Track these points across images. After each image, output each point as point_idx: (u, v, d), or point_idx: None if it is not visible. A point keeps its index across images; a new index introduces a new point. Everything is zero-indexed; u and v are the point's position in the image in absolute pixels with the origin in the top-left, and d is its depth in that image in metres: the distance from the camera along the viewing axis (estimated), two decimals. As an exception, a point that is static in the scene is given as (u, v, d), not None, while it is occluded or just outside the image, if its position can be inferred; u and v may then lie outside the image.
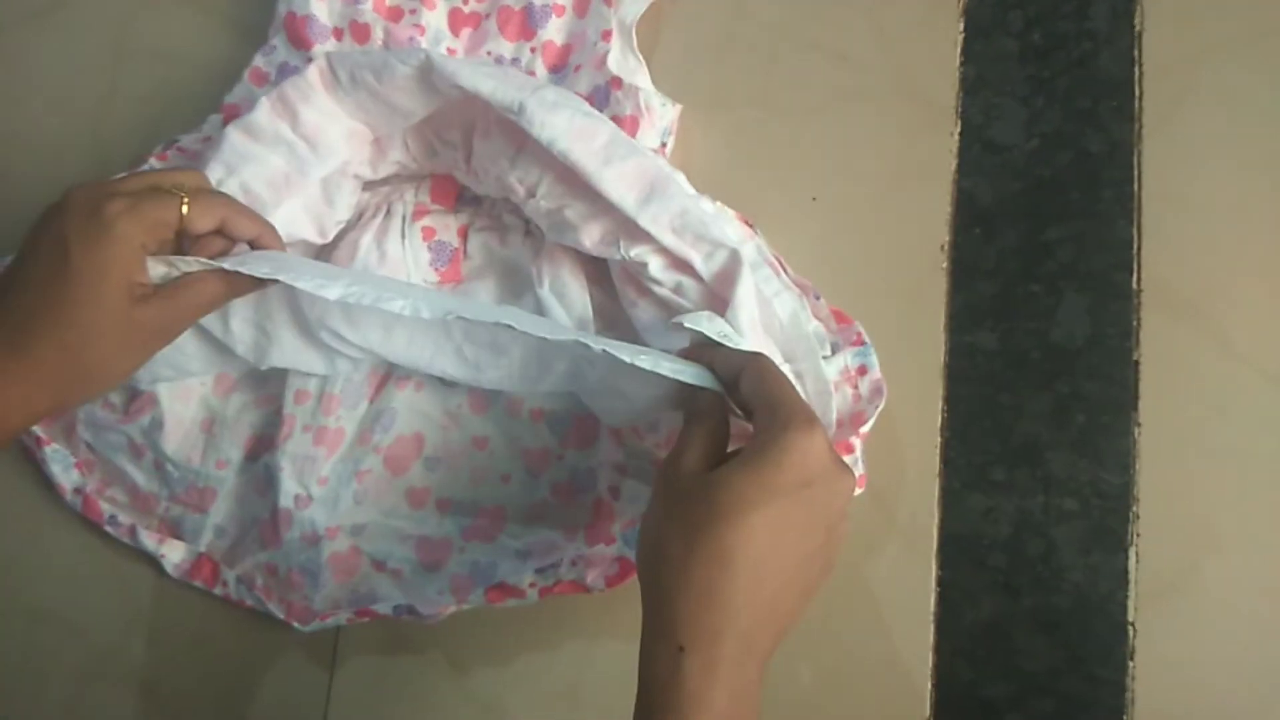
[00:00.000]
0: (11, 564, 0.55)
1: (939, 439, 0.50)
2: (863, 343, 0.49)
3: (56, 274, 0.42)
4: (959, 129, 0.53)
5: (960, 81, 0.53)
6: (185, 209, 0.43)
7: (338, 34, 0.53)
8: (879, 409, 0.48)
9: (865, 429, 0.48)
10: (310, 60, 0.51)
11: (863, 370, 0.48)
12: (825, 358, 0.48)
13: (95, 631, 0.54)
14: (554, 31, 0.53)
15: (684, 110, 0.53)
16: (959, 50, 0.53)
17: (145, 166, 0.52)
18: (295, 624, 0.51)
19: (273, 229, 0.46)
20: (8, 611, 0.54)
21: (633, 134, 0.49)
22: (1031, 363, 0.50)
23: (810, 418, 0.39)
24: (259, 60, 0.54)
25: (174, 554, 0.53)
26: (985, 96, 0.53)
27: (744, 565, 0.37)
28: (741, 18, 0.55)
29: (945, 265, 0.51)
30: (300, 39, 0.53)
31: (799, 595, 0.40)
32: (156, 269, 0.43)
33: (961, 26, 0.53)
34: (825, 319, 0.50)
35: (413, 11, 0.53)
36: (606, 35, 0.51)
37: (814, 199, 0.52)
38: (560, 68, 0.53)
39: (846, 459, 0.47)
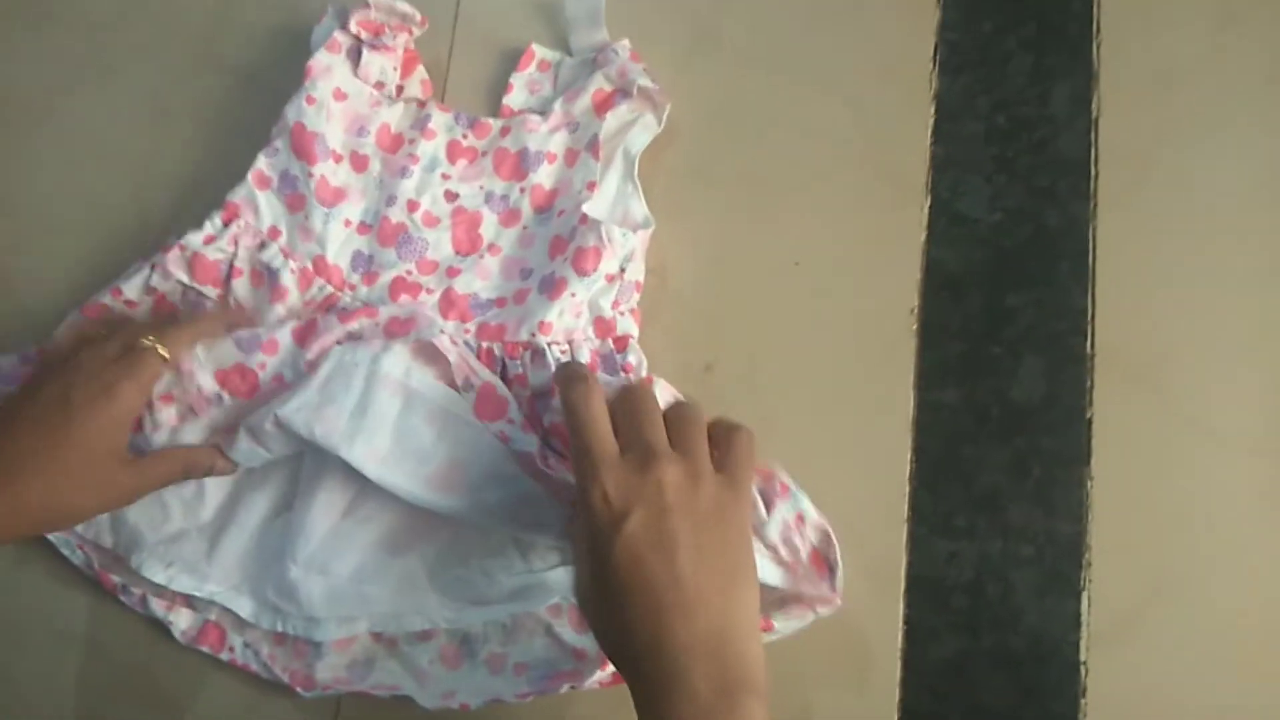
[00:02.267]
0: (37, 585, 0.58)
1: (908, 488, 0.54)
2: (788, 491, 0.51)
3: (58, 426, 0.48)
4: (929, 202, 0.57)
5: (931, 160, 0.58)
6: (164, 354, 0.50)
7: (337, 158, 0.56)
8: (837, 549, 0.50)
9: (839, 581, 0.50)
10: (310, 175, 0.55)
11: (800, 519, 0.51)
12: (763, 523, 0.50)
13: (118, 650, 0.57)
14: (544, 176, 0.56)
15: (680, 182, 0.58)
16: (930, 131, 0.58)
17: (147, 265, 0.55)
18: (299, 690, 0.53)
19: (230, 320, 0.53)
20: (35, 630, 0.57)
21: (596, 264, 0.53)
22: (993, 419, 0.54)
23: (585, 469, 0.43)
24: (262, 163, 0.56)
25: (181, 621, 0.55)
26: (953, 174, 0.57)
27: (639, 590, 0.42)
28: (735, 101, 0.59)
29: (915, 327, 0.56)
30: (306, 152, 0.56)
31: (715, 569, 0.42)
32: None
33: (933, 110, 0.58)
34: None
35: (411, 141, 0.57)
36: (591, 186, 0.55)
37: (797, 264, 0.57)
38: (545, 209, 0.56)
39: (824, 609, 0.50)
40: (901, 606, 0.53)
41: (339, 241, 0.56)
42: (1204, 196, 0.56)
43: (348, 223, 0.56)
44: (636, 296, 0.55)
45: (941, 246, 0.57)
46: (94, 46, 0.64)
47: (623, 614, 0.42)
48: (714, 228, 0.58)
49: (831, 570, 0.50)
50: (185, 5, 0.64)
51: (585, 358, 0.53)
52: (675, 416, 0.46)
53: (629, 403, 0.46)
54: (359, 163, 0.57)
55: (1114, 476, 0.53)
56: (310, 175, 0.56)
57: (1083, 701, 0.51)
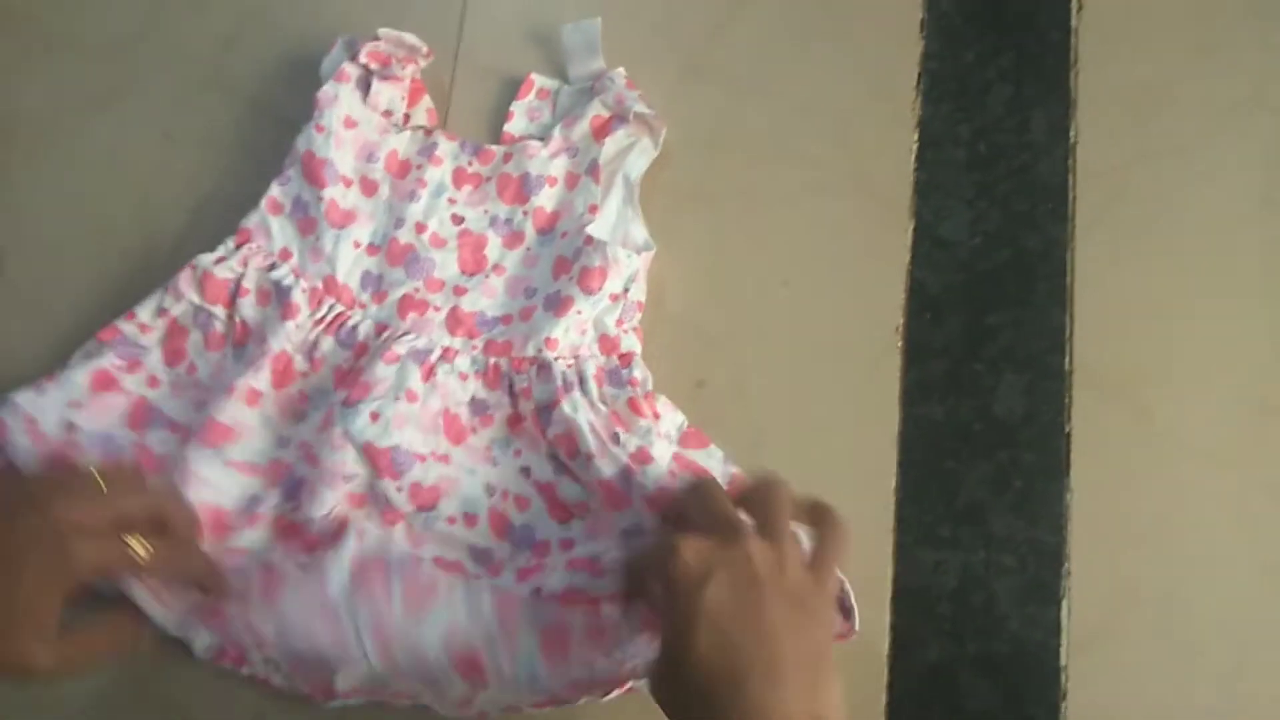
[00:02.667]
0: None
1: (893, 499, 0.56)
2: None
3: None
4: (913, 226, 0.59)
5: (915, 185, 0.60)
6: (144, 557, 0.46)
7: (347, 182, 0.59)
8: (851, 595, 0.51)
9: (856, 620, 0.51)
10: (320, 199, 0.57)
11: None
12: None
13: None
14: (545, 199, 0.59)
15: (674, 204, 0.60)
16: (914, 157, 0.60)
17: (161, 289, 0.57)
18: (320, 699, 0.54)
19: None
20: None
21: (601, 283, 0.55)
22: (975, 434, 0.56)
23: (662, 547, 0.43)
24: (275, 190, 0.59)
25: (202, 639, 0.54)
26: (936, 198, 0.60)
27: (722, 655, 0.40)
28: (731, 124, 0.62)
29: (899, 345, 0.58)
30: (315, 178, 0.58)
31: (803, 646, 0.41)
32: None
33: (916, 137, 0.61)
34: None
35: (419, 167, 0.59)
36: (592, 209, 0.58)
37: (785, 283, 0.59)
38: (548, 231, 0.59)
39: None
40: (888, 614, 0.55)
41: (349, 262, 0.58)
42: (1178, 220, 0.59)
43: (356, 244, 0.58)
44: (639, 316, 0.57)
45: (925, 268, 0.59)
46: (105, 70, 0.66)
47: (704, 684, 0.40)
48: (706, 248, 0.60)
49: (846, 612, 0.51)
50: (195, 32, 0.66)
51: (591, 372, 0.55)
52: (761, 498, 0.45)
53: (700, 491, 0.47)
54: (368, 187, 0.59)
55: (1092, 489, 0.55)
56: (320, 199, 0.58)
57: (1063, 706, 0.53)
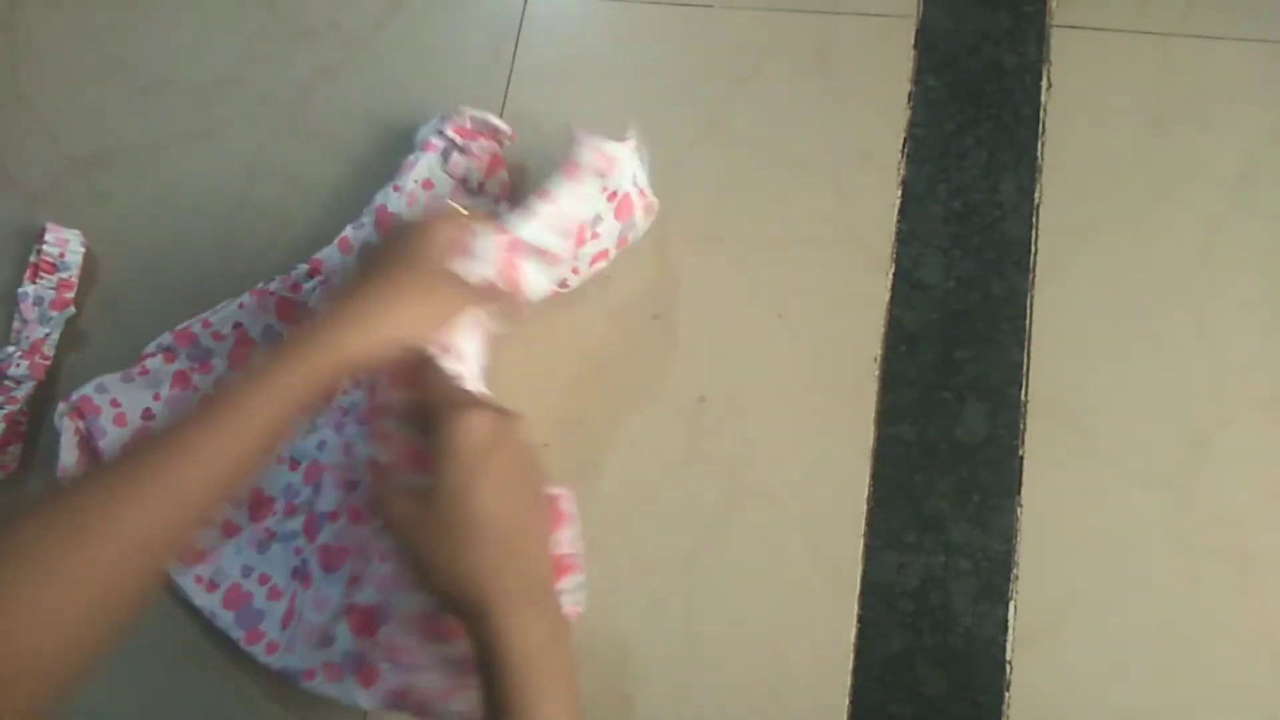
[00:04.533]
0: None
1: (865, 507, 0.63)
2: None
3: (409, 264, 0.56)
4: (893, 270, 0.67)
5: (896, 234, 0.68)
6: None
7: None
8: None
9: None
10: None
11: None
12: None
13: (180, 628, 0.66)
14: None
15: (686, 243, 0.68)
16: (897, 211, 0.68)
17: (234, 304, 0.66)
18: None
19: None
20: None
21: (629, 211, 0.63)
22: (940, 453, 0.64)
23: (455, 416, 0.49)
24: (349, 231, 0.67)
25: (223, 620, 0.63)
26: (915, 247, 0.68)
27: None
28: (739, 178, 0.70)
29: (877, 374, 0.66)
30: (384, 228, 0.66)
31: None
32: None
33: (900, 194, 0.69)
34: None
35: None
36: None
37: (780, 316, 0.67)
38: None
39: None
40: (856, 608, 0.62)
41: None
42: (1126, 274, 0.66)
43: None
44: None
45: (903, 307, 0.67)
46: (196, 111, 0.76)
47: (479, 536, 0.48)
48: (712, 282, 0.68)
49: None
50: (277, 81, 0.76)
51: None
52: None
53: (443, 375, 0.53)
54: None
55: (1040, 505, 0.62)
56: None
57: (1007, 695, 0.60)
